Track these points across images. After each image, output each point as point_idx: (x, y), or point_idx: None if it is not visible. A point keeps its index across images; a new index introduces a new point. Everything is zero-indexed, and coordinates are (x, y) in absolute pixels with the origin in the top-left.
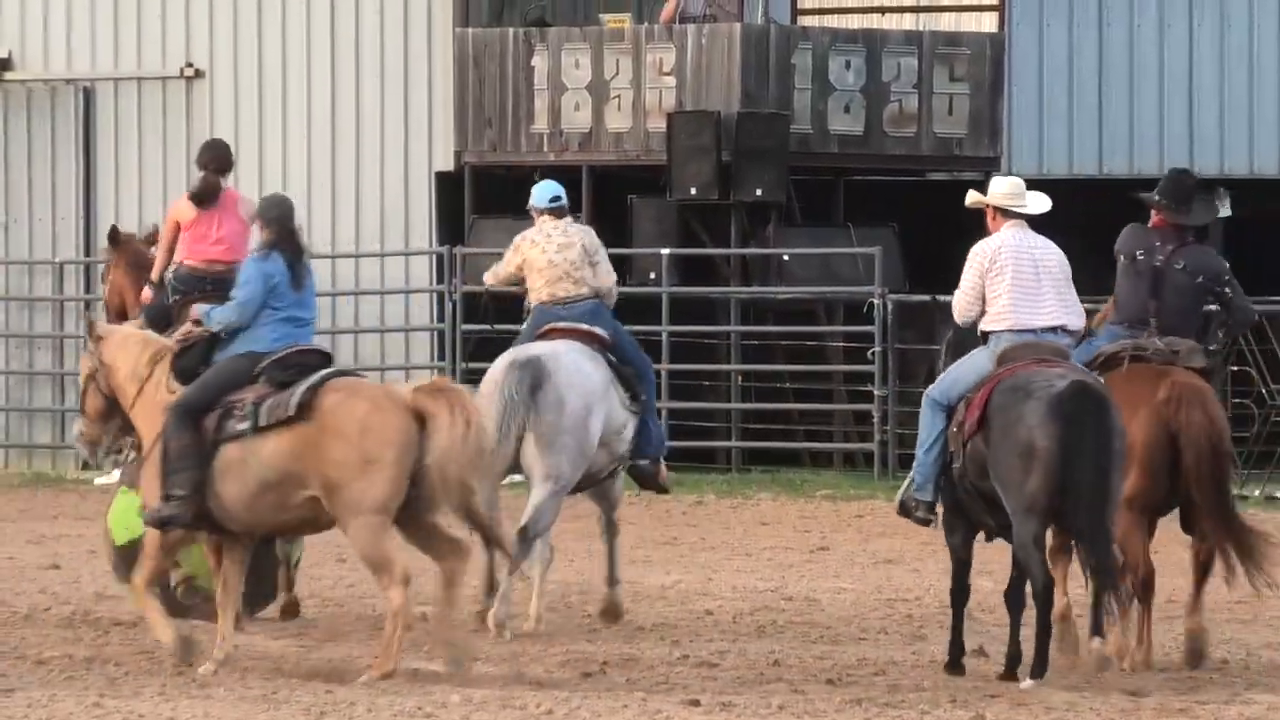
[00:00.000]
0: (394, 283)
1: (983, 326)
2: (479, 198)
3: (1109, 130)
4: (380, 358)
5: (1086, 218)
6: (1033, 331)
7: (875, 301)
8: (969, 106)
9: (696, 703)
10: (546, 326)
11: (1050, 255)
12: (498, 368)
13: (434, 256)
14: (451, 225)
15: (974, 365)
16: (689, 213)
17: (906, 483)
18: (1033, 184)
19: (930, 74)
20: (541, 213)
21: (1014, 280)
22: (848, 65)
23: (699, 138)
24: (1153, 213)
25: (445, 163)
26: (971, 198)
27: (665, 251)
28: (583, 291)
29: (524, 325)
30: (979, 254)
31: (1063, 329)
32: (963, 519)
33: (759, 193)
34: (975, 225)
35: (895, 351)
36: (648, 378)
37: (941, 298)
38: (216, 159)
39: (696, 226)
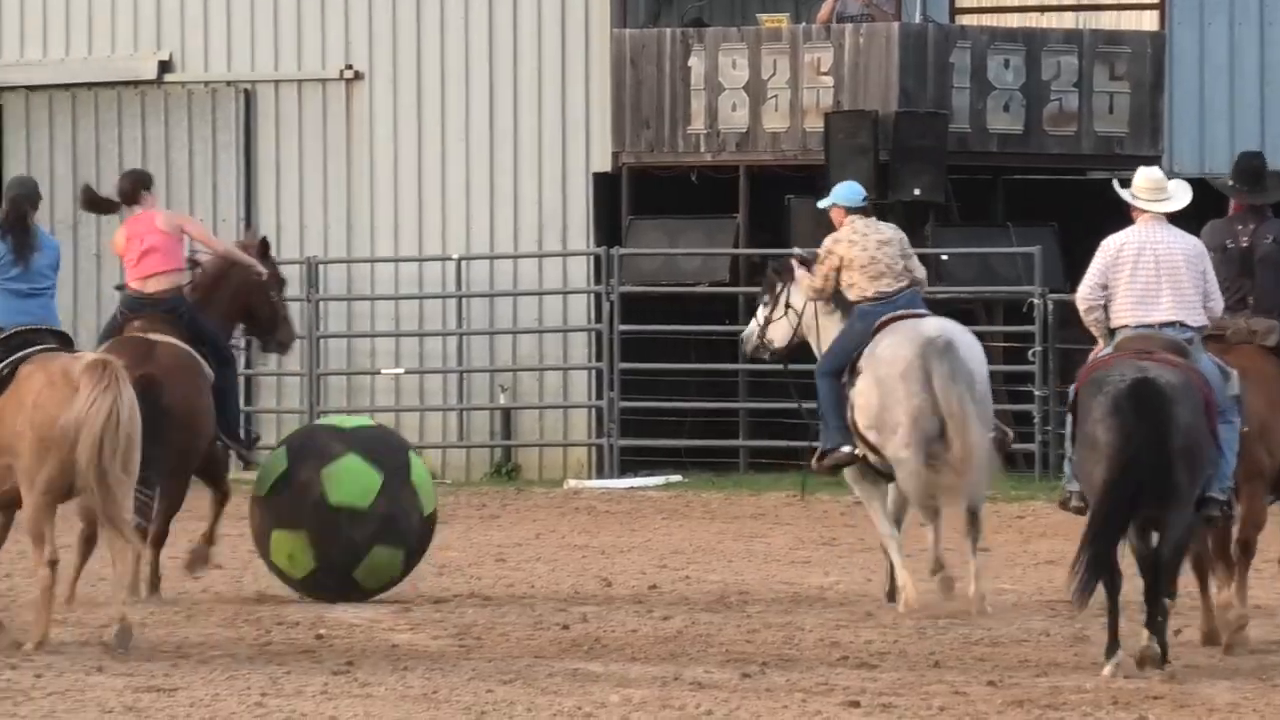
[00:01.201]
0: (552, 283)
1: (1110, 324)
2: (636, 198)
3: (1270, 128)
4: (539, 358)
5: None
6: (1150, 327)
7: (1035, 301)
8: (1129, 105)
9: (856, 704)
10: (886, 317)
11: (1175, 251)
12: (907, 352)
13: (591, 257)
14: (609, 226)
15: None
16: None
17: (1067, 477)
18: (1194, 182)
19: (1090, 73)
20: (850, 212)
21: (1131, 277)
22: (1006, 64)
23: (857, 138)
24: (1230, 201)
25: (602, 163)
26: (1117, 188)
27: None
28: (902, 284)
29: (845, 325)
30: (1105, 248)
31: (1180, 324)
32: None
33: (917, 192)
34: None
35: (1055, 351)
36: None
37: None
38: (131, 183)
39: None
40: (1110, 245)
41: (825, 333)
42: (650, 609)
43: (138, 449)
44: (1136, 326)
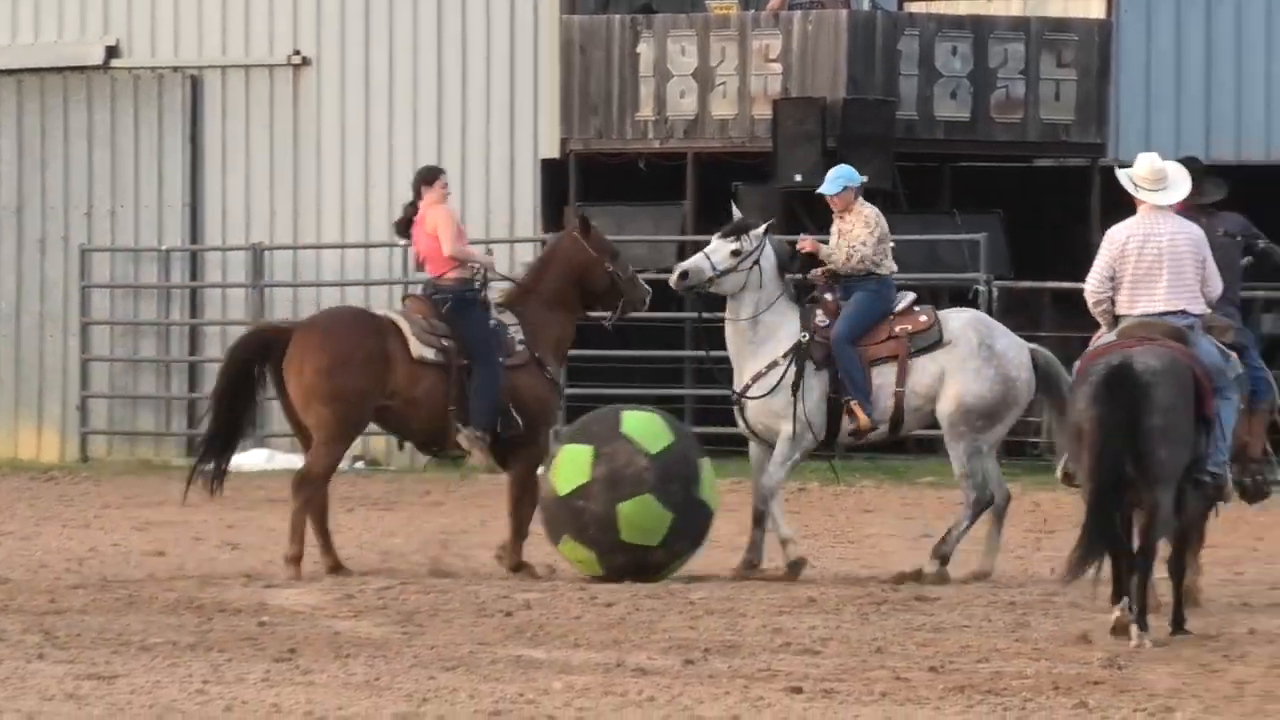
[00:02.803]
0: (500, 269)
1: (1115, 312)
2: (584, 185)
3: (1215, 116)
4: None
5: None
6: (1153, 315)
7: (980, 288)
8: (1076, 93)
9: (799, 690)
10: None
11: (1179, 241)
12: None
13: (539, 244)
14: (556, 212)
15: None
16: (794, 200)
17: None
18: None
19: (1037, 60)
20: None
21: (1135, 267)
22: (954, 51)
23: (804, 124)
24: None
25: (550, 150)
26: (1120, 175)
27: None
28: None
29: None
30: (1109, 240)
31: (1183, 312)
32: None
33: (865, 179)
34: (1080, 212)
35: None
36: None
37: (1049, 285)
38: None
39: (801, 213)
40: (1116, 237)
41: (769, 300)
42: (593, 595)
43: None
44: (1140, 315)
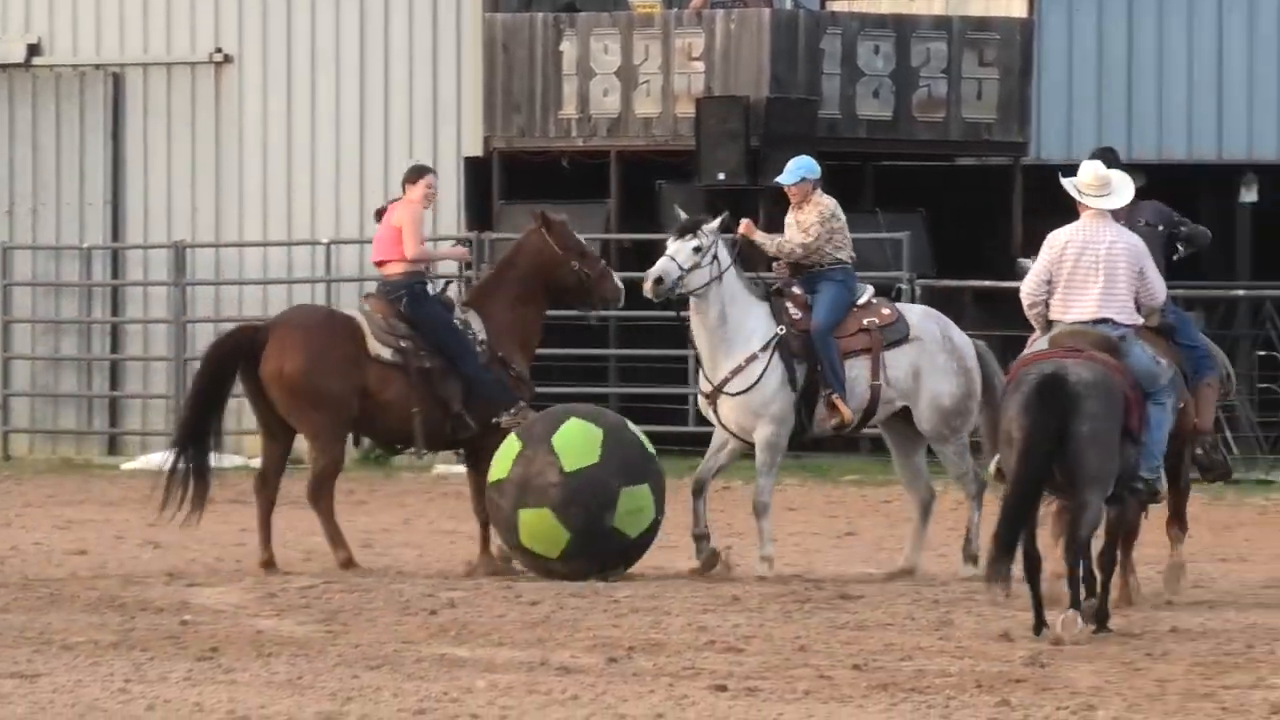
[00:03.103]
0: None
1: (1049, 316)
2: (507, 183)
3: (1137, 115)
4: None
5: None
6: (1083, 323)
7: (903, 286)
8: (998, 92)
9: (723, 688)
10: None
11: (1117, 250)
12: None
13: (463, 242)
14: (480, 210)
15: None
16: (718, 198)
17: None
18: (1062, 169)
19: (959, 59)
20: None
21: (1071, 273)
22: (877, 50)
23: (728, 123)
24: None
25: (474, 148)
26: (1064, 183)
27: None
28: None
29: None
30: (1049, 244)
31: (1111, 321)
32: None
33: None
34: (1002, 210)
35: None
36: None
37: (971, 283)
38: None
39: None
40: (1056, 241)
41: (732, 294)
42: (517, 594)
43: None
44: (1072, 322)
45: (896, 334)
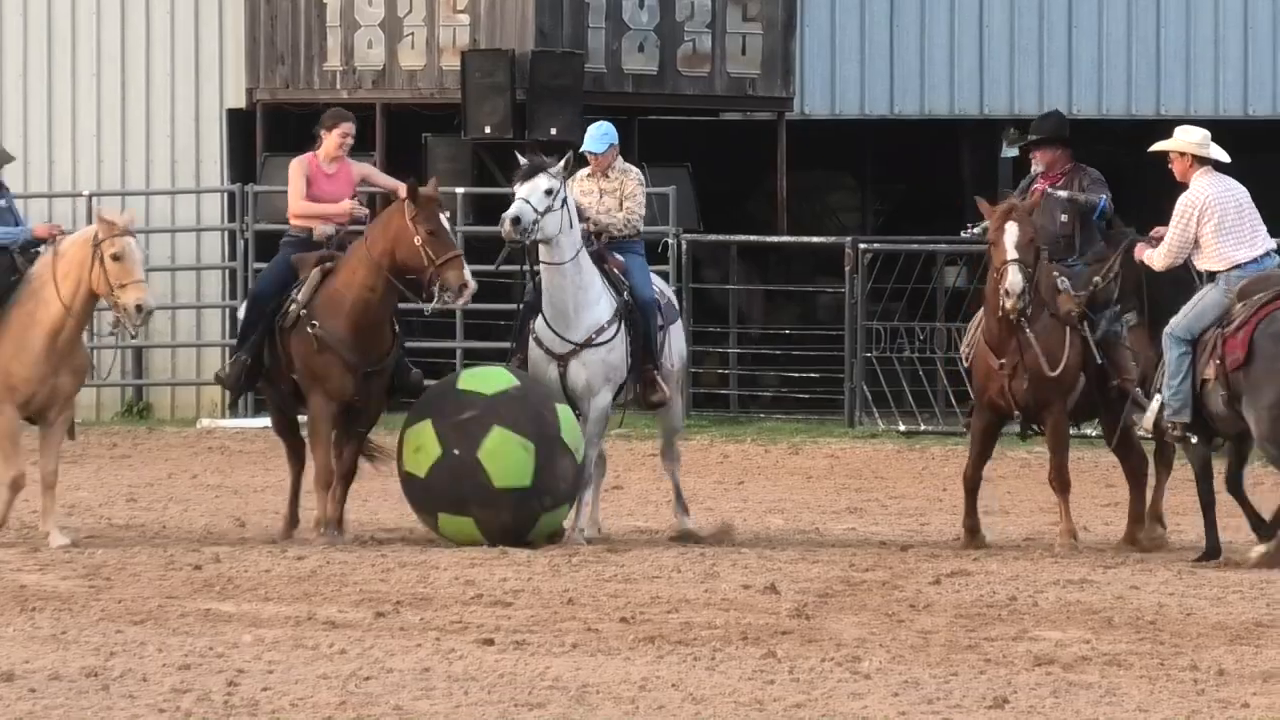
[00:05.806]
0: (185, 221)
1: (1204, 266)
2: (271, 135)
3: (900, 70)
4: (171, 296)
5: (876, 158)
6: (1255, 262)
7: (670, 241)
8: (762, 46)
9: (490, 641)
10: None
11: (1244, 193)
12: None
13: (225, 194)
14: (243, 163)
15: (1213, 302)
16: (484, 152)
17: (1157, 408)
18: (826, 125)
19: (724, 14)
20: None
21: (1220, 222)
22: (641, 4)
23: (493, 76)
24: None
25: (237, 100)
26: (1160, 146)
27: (460, 190)
28: None
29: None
30: (1190, 206)
31: (1274, 252)
32: (1205, 433)
33: (554, 132)
34: (769, 165)
35: (691, 291)
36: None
37: (736, 238)
38: None
39: (491, 165)
40: (1194, 201)
41: (581, 245)
42: (284, 549)
43: None
44: (1243, 265)
45: (674, 312)
